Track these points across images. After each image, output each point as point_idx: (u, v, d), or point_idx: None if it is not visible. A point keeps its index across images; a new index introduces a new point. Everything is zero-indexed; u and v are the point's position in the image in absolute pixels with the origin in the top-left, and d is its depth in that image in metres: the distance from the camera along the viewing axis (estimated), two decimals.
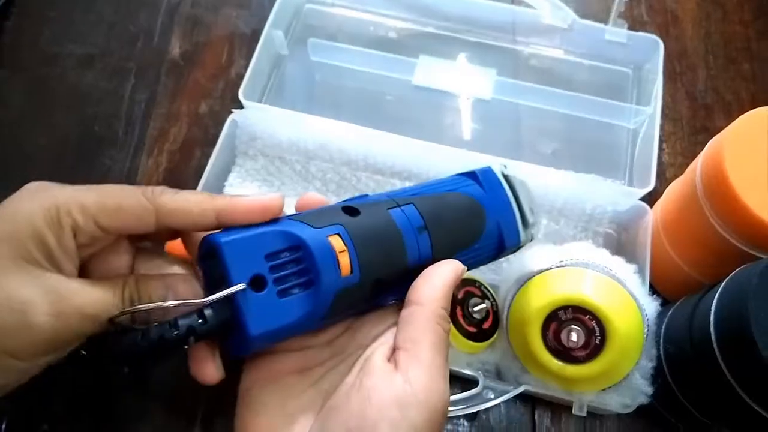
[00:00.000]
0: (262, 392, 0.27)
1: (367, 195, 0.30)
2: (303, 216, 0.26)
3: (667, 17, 0.60)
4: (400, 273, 0.27)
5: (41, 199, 0.25)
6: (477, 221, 0.30)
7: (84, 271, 0.26)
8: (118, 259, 0.27)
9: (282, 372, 0.27)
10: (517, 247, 0.33)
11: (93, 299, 0.24)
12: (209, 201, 0.26)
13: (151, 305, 0.24)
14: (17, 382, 0.24)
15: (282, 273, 0.25)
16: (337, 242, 0.25)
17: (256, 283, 0.24)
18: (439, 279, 0.27)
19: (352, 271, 0.25)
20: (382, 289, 0.27)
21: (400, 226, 0.27)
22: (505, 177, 0.32)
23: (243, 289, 0.24)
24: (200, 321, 0.24)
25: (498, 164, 0.33)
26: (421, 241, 0.28)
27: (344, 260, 0.25)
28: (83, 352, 0.31)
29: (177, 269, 0.28)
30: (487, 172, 0.32)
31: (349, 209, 0.27)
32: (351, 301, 0.26)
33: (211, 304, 0.24)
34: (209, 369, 0.26)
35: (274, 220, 0.26)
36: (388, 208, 0.28)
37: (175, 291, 0.26)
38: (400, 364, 0.25)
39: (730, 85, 0.56)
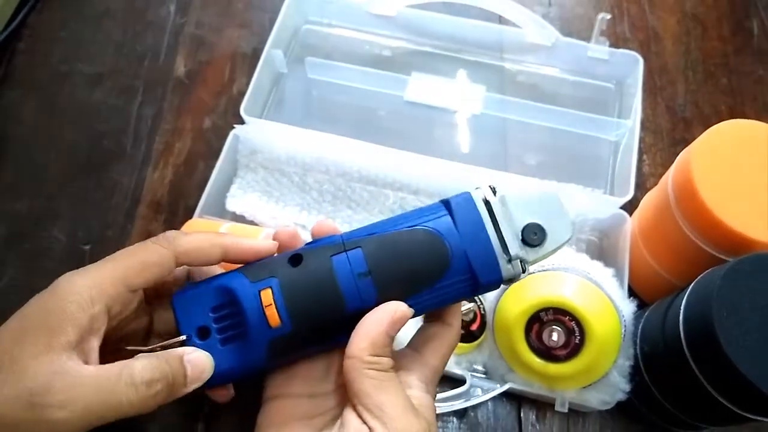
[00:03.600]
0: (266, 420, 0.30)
1: (330, 237, 0.29)
2: (248, 269, 0.29)
3: (649, 34, 0.63)
4: (340, 319, 0.27)
5: (75, 286, 0.26)
6: (437, 259, 0.27)
7: (107, 341, 0.27)
8: (138, 322, 0.31)
9: (292, 417, 0.29)
10: (499, 282, 0.28)
11: (104, 394, 0.24)
12: (217, 238, 0.29)
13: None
14: None
15: (223, 324, 0.28)
16: (266, 296, 0.27)
17: (203, 332, 0.28)
18: (366, 327, 0.27)
19: (282, 322, 0.27)
20: (327, 334, 0.28)
21: (338, 273, 0.27)
22: (487, 203, 0.28)
23: (186, 339, 0.28)
24: None
25: (485, 187, 0.29)
26: (363, 287, 0.27)
27: (271, 313, 0.27)
28: None
29: None
30: (463, 200, 0.28)
31: (295, 258, 0.28)
32: (292, 347, 0.28)
33: None
34: (221, 391, 0.31)
35: (228, 273, 0.29)
36: (333, 254, 0.27)
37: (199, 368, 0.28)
38: (362, 416, 0.26)
39: (708, 98, 0.59)
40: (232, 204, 0.50)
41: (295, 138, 0.50)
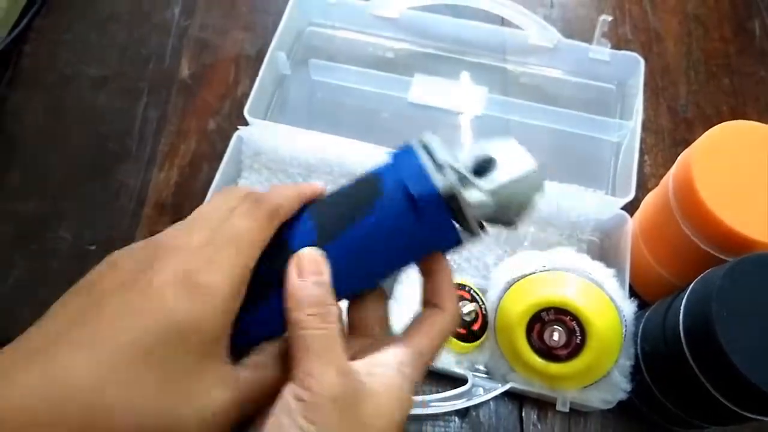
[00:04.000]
0: None
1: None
2: None
3: (651, 35, 0.63)
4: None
5: (209, 289, 0.23)
6: (369, 187, 0.26)
7: None
8: None
9: None
10: (434, 193, 0.25)
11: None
12: (293, 187, 0.27)
13: None
14: None
15: None
16: None
17: None
18: (289, 288, 0.24)
19: None
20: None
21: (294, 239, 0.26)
22: (425, 145, 0.27)
23: None
24: None
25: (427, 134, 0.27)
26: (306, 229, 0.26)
27: None
28: None
29: None
30: (404, 145, 0.27)
31: None
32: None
33: None
34: None
35: None
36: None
37: None
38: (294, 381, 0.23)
39: (710, 99, 0.59)
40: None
41: (298, 139, 0.51)
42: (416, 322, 0.27)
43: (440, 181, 0.25)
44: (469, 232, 0.26)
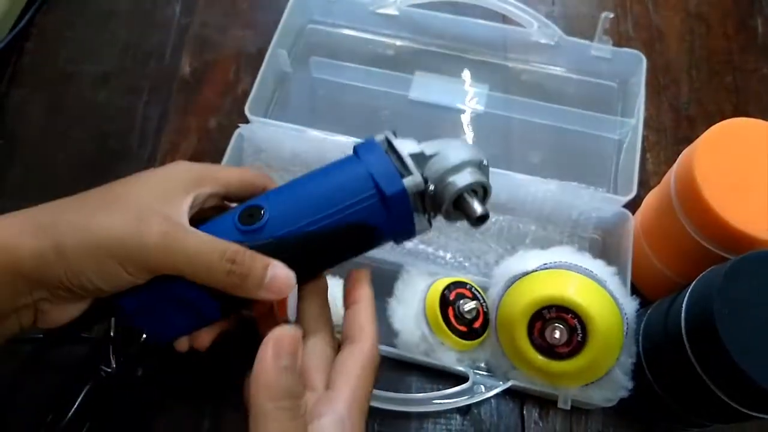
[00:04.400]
0: None
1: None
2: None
3: (653, 33, 0.63)
4: None
5: (185, 166, 0.33)
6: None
7: None
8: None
9: None
10: (403, 193, 0.30)
11: (197, 247, 0.29)
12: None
13: None
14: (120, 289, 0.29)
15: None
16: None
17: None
18: (257, 375, 0.26)
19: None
20: None
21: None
22: (389, 141, 0.31)
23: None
24: None
25: (387, 132, 0.32)
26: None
27: None
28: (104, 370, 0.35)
29: None
30: (366, 141, 0.32)
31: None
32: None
33: None
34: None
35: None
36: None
37: (277, 275, 0.29)
38: None
39: (712, 96, 0.59)
40: None
41: (299, 137, 0.51)
42: (337, 369, 0.29)
43: (409, 182, 0.29)
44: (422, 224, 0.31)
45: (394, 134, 0.32)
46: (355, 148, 0.32)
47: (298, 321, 0.31)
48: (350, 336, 0.30)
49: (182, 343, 0.33)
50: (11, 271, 0.27)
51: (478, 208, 0.30)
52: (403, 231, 0.32)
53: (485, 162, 0.32)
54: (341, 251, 0.32)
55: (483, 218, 0.30)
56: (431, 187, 0.30)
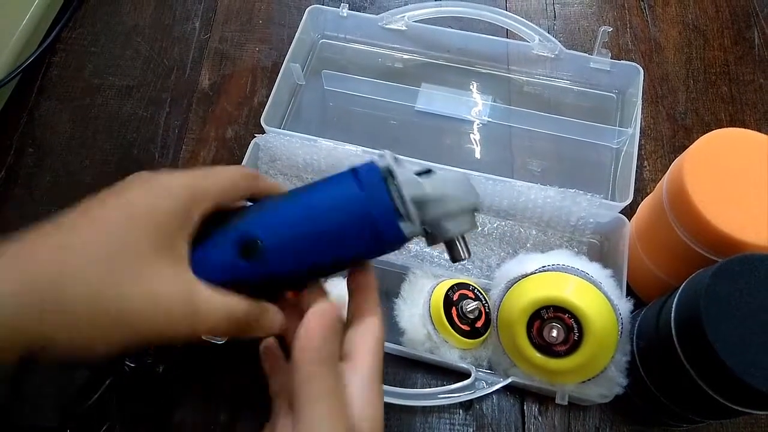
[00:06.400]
0: None
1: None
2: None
3: (651, 45, 0.65)
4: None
5: (167, 189, 0.27)
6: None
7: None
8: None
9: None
10: (403, 238, 0.30)
11: (216, 309, 0.27)
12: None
13: None
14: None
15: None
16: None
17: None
18: (302, 341, 0.27)
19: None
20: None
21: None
22: (391, 173, 0.30)
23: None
24: None
25: (388, 156, 0.30)
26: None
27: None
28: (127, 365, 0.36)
29: None
30: (369, 169, 0.30)
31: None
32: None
33: None
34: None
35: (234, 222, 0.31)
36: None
37: (274, 319, 0.30)
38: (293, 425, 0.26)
39: (709, 106, 0.61)
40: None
41: (312, 147, 0.53)
42: (354, 342, 0.30)
43: (408, 230, 0.29)
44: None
45: (396, 159, 0.30)
46: (357, 174, 0.30)
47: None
48: (356, 312, 0.31)
49: None
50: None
51: (462, 253, 0.31)
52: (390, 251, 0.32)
53: (479, 203, 0.32)
54: (337, 271, 0.32)
55: (463, 260, 0.32)
56: (426, 229, 0.31)
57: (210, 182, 0.29)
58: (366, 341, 0.30)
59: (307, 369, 0.26)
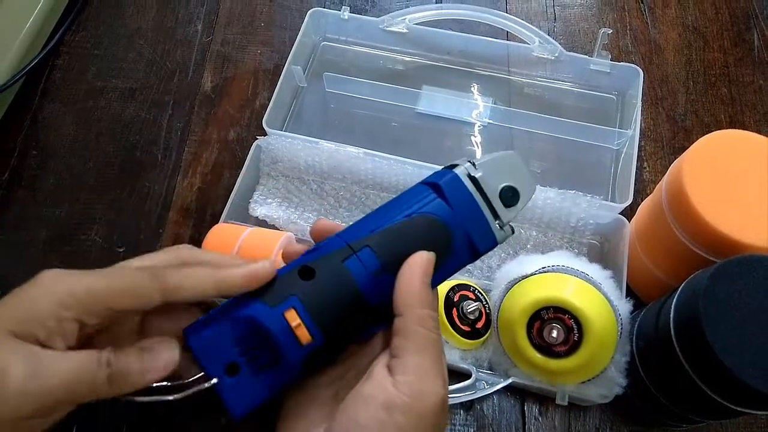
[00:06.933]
0: (291, 403, 0.30)
1: (330, 240, 0.29)
2: (261, 293, 0.28)
3: (651, 47, 0.65)
4: (366, 316, 0.28)
5: (55, 286, 0.26)
6: (442, 240, 0.29)
7: (89, 342, 0.27)
8: (121, 328, 0.29)
9: (308, 385, 0.30)
10: (495, 245, 0.30)
11: (69, 367, 0.25)
12: (211, 276, 0.28)
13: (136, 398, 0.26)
14: None
15: (251, 355, 0.27)
16: (291, 317, 0.27)
17: (232, 368, 0.27)
18: (407, 287, 0.27)
19: (313, 338, 0.27)
20: (358, 332, 0.29)
21: (355, 276, 0.27)
22: (473, 179, 0.29)
23: (217, 382, 0.27)
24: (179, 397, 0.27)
25: (465, 164, 0.29)
26: (381, 282, 0.28)
27: (302, 332, 0.27)
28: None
29: (186, 318, 0.29)
30: (453, 181, 0.29)
31: (305, 271, 0.28)
32: (323, 358, 0.28)
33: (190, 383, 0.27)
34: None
35: (239, 302, 0.28)
36: (343, 260, 0.28)
37: (155, 358, 0.27)
38: (392, 370, 0.26)
39: (709, 108, 0.61)
40: (255, 210, 0.54)
41: (313, 148, 0.53)
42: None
43: (500, 237, 0.29)
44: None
45: (473, 165, 0.29)
46: (441, 189, 0.29)
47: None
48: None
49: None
50: None
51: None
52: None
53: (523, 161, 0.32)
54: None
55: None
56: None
57: (103, 285, 0.26)
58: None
59: (412, 312, 0.26)
